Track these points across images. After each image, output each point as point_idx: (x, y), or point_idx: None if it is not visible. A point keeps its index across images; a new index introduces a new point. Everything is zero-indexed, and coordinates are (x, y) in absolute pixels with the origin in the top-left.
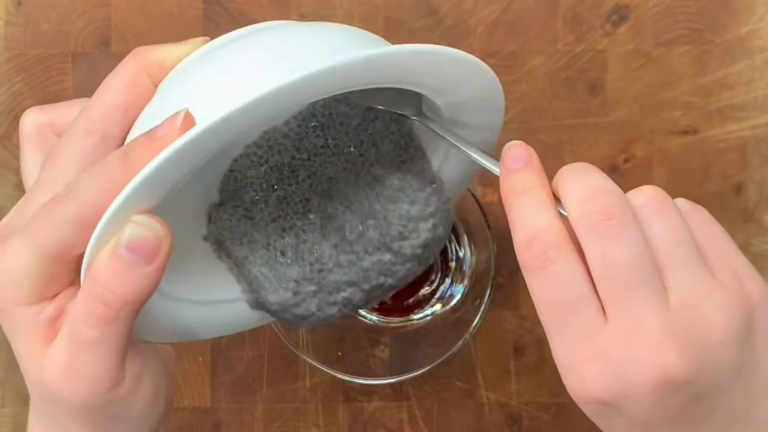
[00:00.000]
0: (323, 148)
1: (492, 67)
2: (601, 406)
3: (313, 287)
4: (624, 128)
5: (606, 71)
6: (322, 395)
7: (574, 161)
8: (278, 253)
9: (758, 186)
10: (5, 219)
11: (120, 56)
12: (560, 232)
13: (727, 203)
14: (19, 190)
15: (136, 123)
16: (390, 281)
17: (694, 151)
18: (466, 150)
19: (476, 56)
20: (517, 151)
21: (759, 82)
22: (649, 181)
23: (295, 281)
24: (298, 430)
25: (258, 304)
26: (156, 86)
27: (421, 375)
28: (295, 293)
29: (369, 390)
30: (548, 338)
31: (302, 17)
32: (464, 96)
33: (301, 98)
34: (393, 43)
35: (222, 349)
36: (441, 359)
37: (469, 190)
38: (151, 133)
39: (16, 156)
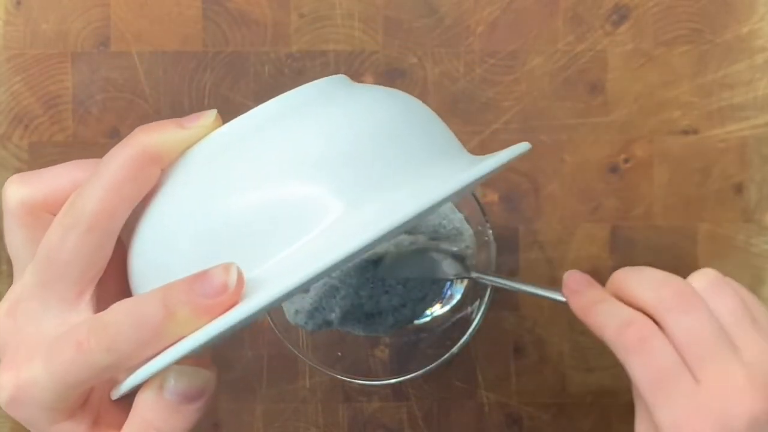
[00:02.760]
0: None
1: (492, 67)
2: None
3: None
4: (624, 128)
5: (606, 71)
6: (321, 395)
7: (574, 161)
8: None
9: (758, 186)
10: (7, 312)
11: (120, 56)
12: (645, 317)
13: (727, 203)
14: None
15: (147, 221)
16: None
17: (694, 151)
18: (527, 289)
19: (476, 56)
20: (578, 276)
21: (759, 82)
22: (650, 181)
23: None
24: (298, 430)
25: None
26: (161, 170)
27: (421, 375)
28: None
29: (369, 390)
30: (651, 407)
31: (302, 17)
32: None
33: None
34: (393, 43)
35: (222, 349)
36: (441, 359)
37: None
38: (198, 289)
39: (16, 156)
